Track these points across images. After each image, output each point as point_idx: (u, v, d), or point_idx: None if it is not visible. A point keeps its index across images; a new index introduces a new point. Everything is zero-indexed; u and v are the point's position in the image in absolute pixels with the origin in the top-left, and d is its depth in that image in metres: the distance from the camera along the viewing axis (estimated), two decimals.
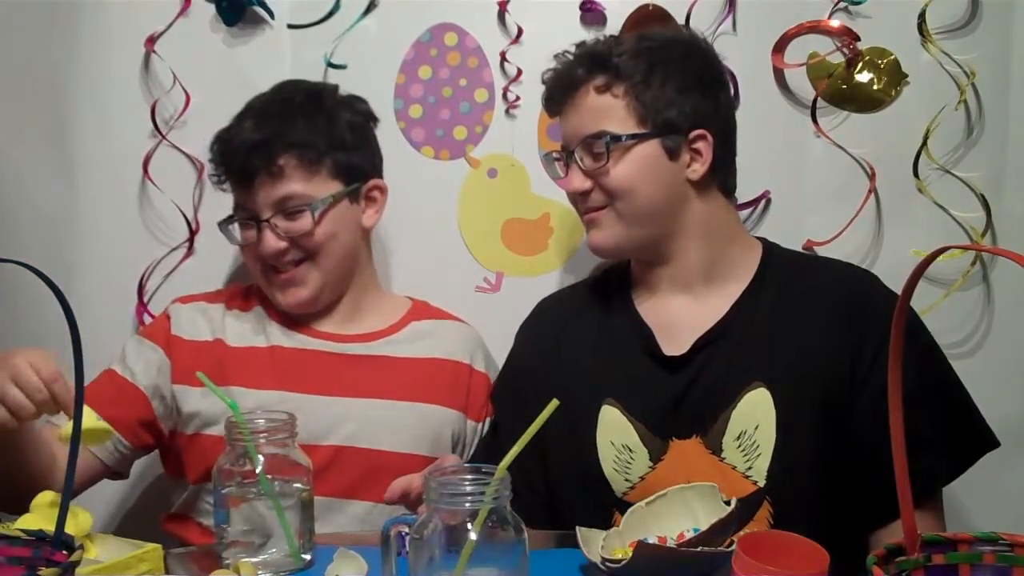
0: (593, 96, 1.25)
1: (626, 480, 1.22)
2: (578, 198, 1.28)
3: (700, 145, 1.24)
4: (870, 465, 1.11)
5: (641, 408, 1.23)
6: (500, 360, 1.44)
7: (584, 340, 1.31)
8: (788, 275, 1.26)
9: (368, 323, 1.41)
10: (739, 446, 1.18)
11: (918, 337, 1.22)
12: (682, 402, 1.21)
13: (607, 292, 1.34)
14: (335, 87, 1.44)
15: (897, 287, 0.82)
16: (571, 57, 1.29)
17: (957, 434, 1.19)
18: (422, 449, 1.33)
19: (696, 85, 1.25)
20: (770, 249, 1.31)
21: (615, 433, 1.23)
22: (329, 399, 1.32)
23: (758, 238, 1.33)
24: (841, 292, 1.22)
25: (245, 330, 1.39)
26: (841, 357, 1.17)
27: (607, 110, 1.24)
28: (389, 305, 1.46)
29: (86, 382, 0.82)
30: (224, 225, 1.39)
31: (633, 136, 1.23)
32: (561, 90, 1.29)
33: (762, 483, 1.17)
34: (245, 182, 1.33)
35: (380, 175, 1.43)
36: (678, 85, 1.24)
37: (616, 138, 1.22)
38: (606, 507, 1.23)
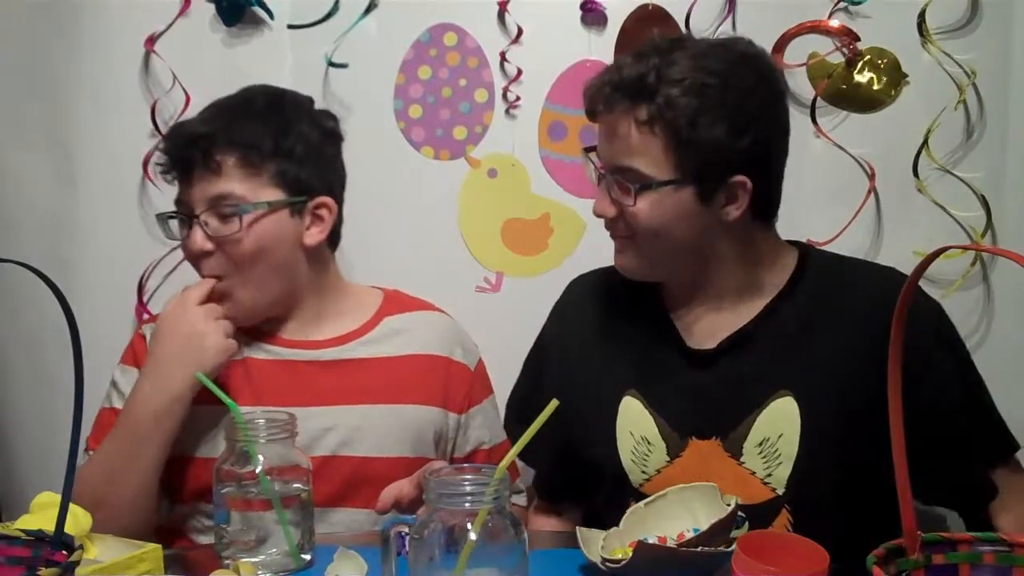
0: (633, 130, 1.14)
1: (643, 472, 1.22)
2: (604, 220, 1.23)
3: (738, 191, 1.15)
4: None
5: (662, 401, 1.22)
6: (497, 357, 1.44)
7: (609, 327, 1.30)
8: (823, 284, 1.22)
9: (339, 325, 1.36)
10: (760, 453, 1.16)
11: (957, 349, 1.22)
12: (704, 399, 1.20)
13: (637, 285, 1.29)
14: (308, 99, 1.37)
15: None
16: (617, 78, 1.16)
17: (991, 440, 1.20)
18: (404, 451, 1.31)
19: (749, 126, 1.14)
20: (806, 256, 1.26)
21: (635, 424, 1.23)
22: (308, 410, 1.26)
23: (796, 243, 1.29)
24: (877, 302, 1.15)
25: None
26: (875, 368, 1.12)
27: (644, 148, 1.14)
28: (359, 302, 1.40)
29: (85, 387, 0.81)
30: (163, 219, 1.34)
31: (666, 183, 1.14)
32: (602, 107, 1.19)
33: (781, 491, 1.15)
34: (184, 174, 1.27)
35: (332, 195, 1.33)
36: (729, 128, 1.12)
37: (647, 185, 1.14)
38: (624, 497, 1.22)
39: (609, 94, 1.16)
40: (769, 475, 1.16)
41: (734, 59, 1.17)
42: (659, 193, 1.14)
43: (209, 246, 1.25)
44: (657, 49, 1.16)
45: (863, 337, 1.16)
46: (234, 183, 1.25)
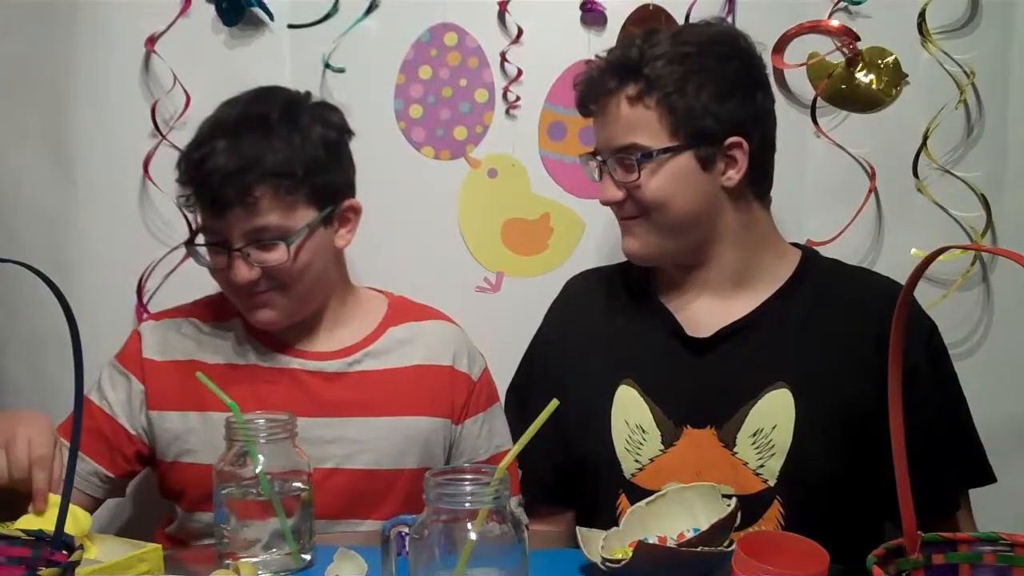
0: (625, 107, 1.21)
1: (636, 461, 1.22)
2: (613, 206, 1.26)
3: (736, 152, 1.20)
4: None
5: (658, 389, 1.23)
6: (498, 358, 1.44)
7: (606, 320, 1.31)
8: (825, 284, 1.25)
9: (347, 335, 1.35)
10: (754, 443, 1.17)
11: (943, 365, 1.23)
12: (700, 388, 1.21)
13: (634, 279, 1.33)
14: (308, 95, 1.35)
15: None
16: (603, 64, 1.24)
17: (962, 460, 1.21)
18: (411, 463, 1.31)
19: (734, 89, 1.20)
20: (809, 258, 1.29)
21: (630, 413, 1.23)
22: (310, 421, 1.23)
23: (799, 246, 1.32)
24: (877, 307, 1.18)
25: (224, 345, 1.33)
26: (871, 375, 1.15)
27: (639, 122, 1.20)
28: (365, 311, 1.39)
29: (85, 387, 0.81)
30: (191, 246, 1.30)
31: (665, 150, 1.19)
32: (593, 97, 1.25)
33: (773, 482, 1.16)
34: (217, 210, 1.23)
35: (354, 192, 1.34)
36: (714, 92, 1.19)
37: (647, 154, 1.19)
38: (613, 488, 1.23)
39: (597, 80, 1.23)
40: (761, 466, 1.17)
41: (709, 32, 1.27)
42: (660, 161, 1.19)
43: (255, 275, 1.24)
44: (638, 35, 1.25)
45: (862, 340, 1.18)
46: (272, 215, 1.22)
